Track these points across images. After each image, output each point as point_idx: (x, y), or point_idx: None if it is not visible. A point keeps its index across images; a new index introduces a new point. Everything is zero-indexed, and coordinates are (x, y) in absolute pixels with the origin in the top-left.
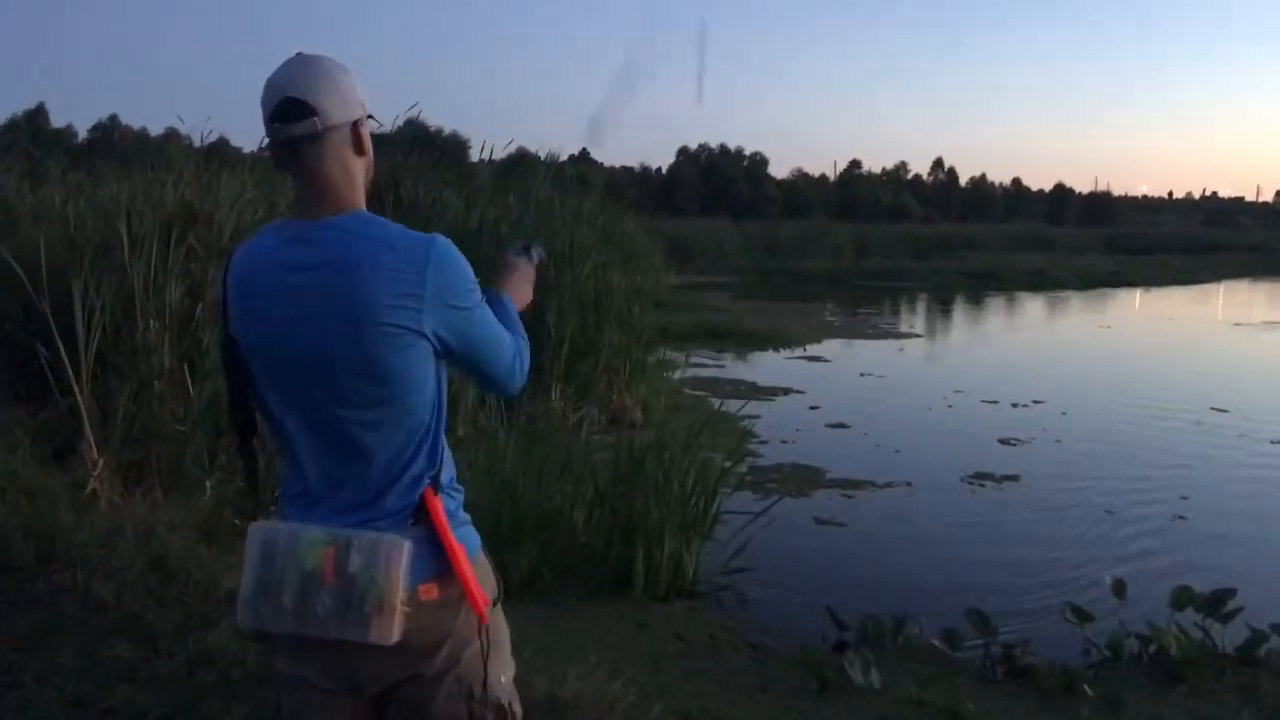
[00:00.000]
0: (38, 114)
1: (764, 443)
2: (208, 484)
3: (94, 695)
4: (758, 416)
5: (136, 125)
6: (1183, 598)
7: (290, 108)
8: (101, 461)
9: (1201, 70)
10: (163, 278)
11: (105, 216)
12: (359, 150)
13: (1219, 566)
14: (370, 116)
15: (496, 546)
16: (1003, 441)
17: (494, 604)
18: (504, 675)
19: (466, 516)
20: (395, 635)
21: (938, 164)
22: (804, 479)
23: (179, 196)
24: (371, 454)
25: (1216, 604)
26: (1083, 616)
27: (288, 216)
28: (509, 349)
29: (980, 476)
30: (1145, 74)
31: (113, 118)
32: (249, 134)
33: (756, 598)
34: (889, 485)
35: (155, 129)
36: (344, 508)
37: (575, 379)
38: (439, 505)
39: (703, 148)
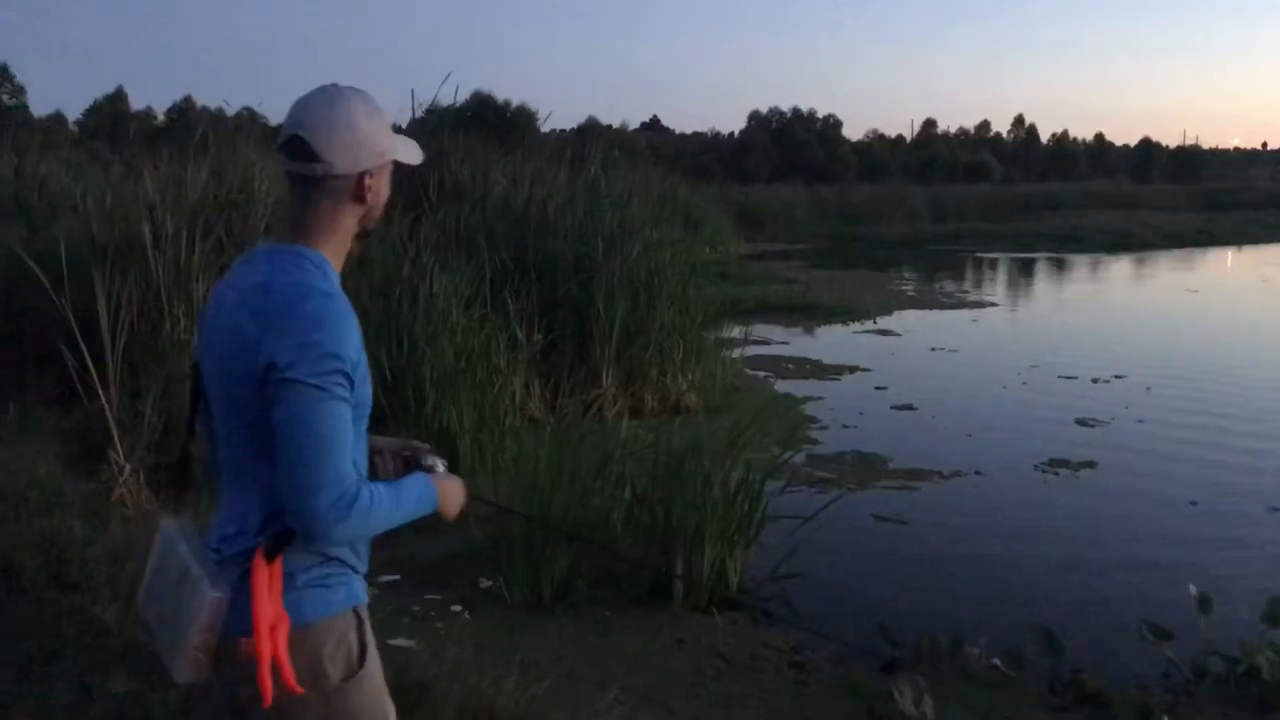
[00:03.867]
0: (117, 98)
1: (824, 428)
2: None
3: None
4: (820, 398)
5: (213, 105)
6: (1276, 611)
7: (296, 146)
8: (128, 466)
9: None
10: (190, 271)
11: (126, 213)
12: (359, 199)
13: None
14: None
15: (528, 554)
16: (1080, 422)
17: (348, 679)
18: None
19: (340, 577)
20: (183, 677)
21: (1018, 121)
22: (865, 469)
23: (203, 189)
24: (241, 487)
25: None
26: (1161, 634)
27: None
28: (334, 472)
29: (1055, 463)
30: (1235, 16)
31: (187, 99)
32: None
33: (806, 607)
34: (956, 475)
35: (233, 110)
36: (221, 532)
37: (626, 364)
38: (262, 572)
39: (774, 111)
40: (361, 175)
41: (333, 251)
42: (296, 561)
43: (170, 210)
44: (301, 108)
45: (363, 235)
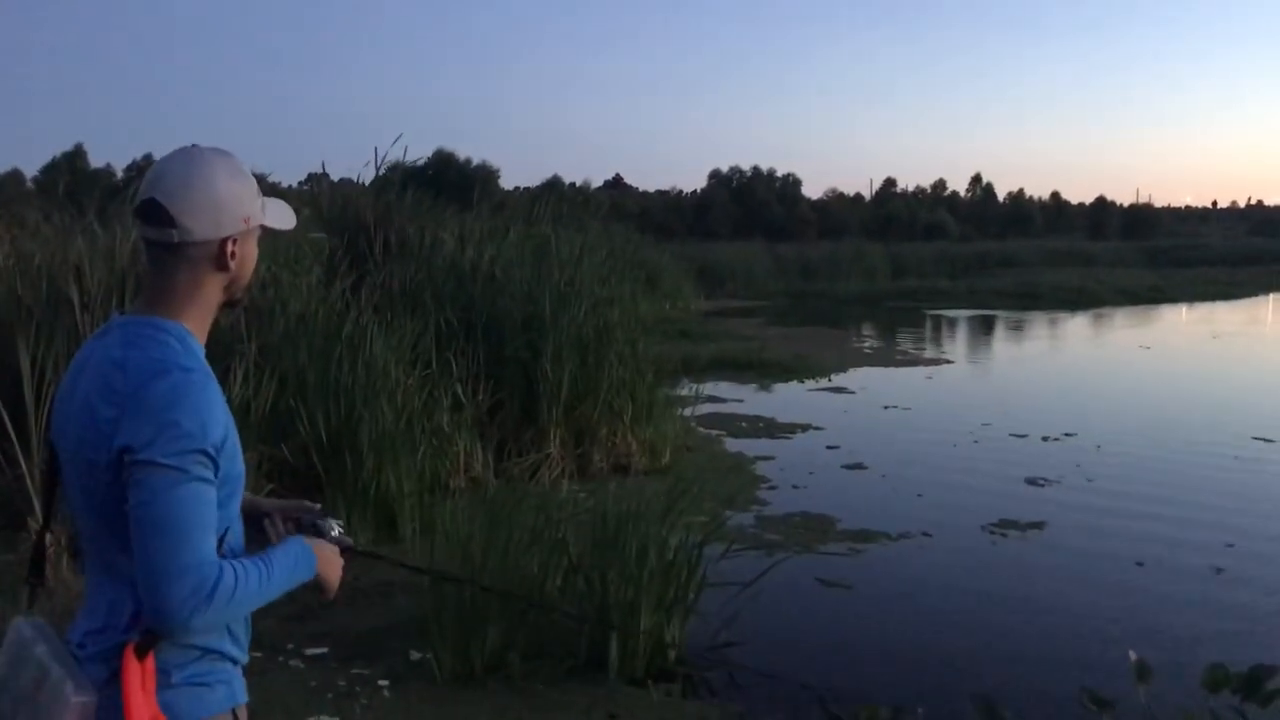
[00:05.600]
0: (76, 155)
1: (774, 488)
2: None
3: None
4: (771, 457)
5: None
6: (1217, 677)
7: (151, 210)
8: (49, 536)
9: (1246, 73)
10: None
11: (50, 275)
12: (221, 267)
13: (1265, 630)
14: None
15: (459, 624)
16: (1030, 481)
17: None
18: None
19: (219, 673)
20: None
21: (975, 180)
22: (812, 531)
23: (135, 248)
24: (107, 579)
25: (1253, 684)
26: (1100, 703)
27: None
28: (193, 558)
29: (1003, 524)
30: (1188, 79)
31: (147, 157)
32: (292, 168)
33: (744, 678)
34: (904, 537)
35: None
36: (86, 627)
37: (574, 423)
38: (134, 670)
39: (734, 170)
40: (224, 242)
41: (195, 323)
42: (171, 657)
43: (102, 271)
44: (159, 170)
45: (230, 304)
